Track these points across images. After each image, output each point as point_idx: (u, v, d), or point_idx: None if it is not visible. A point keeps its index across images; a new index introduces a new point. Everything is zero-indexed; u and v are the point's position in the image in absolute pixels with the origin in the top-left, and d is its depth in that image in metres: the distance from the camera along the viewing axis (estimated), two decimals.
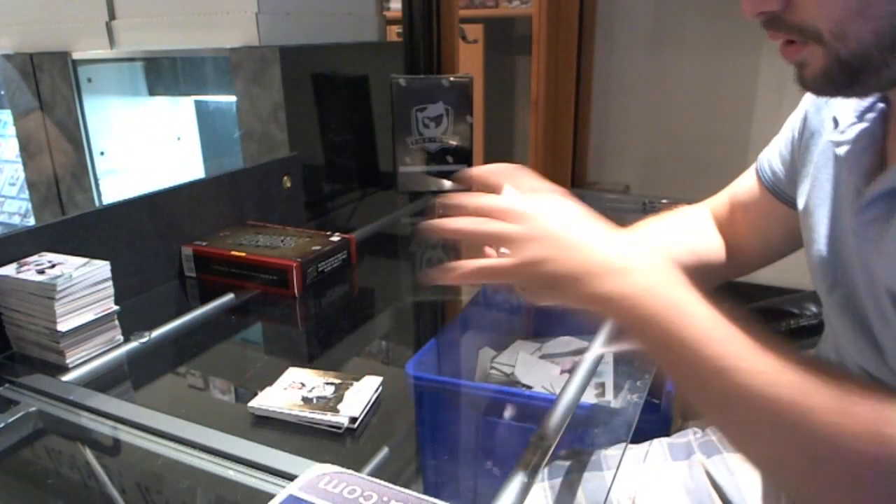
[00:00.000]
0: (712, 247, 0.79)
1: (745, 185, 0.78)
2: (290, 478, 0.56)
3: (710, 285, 0.79)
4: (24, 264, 0.81)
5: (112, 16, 1.47)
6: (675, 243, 0.78)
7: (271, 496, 0.47)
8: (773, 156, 0.74)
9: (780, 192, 0.72)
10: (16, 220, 1.95)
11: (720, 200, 0.82)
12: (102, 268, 0.81)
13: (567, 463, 0.72)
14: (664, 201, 1.42)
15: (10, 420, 0.69)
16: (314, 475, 0.49)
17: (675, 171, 2.60)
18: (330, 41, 1.49)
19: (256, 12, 1.30)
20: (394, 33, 1.76)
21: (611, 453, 0.72)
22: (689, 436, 0.83)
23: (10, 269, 0.79)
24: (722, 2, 2.35)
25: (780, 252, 0.77)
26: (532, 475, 0.51)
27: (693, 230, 0.80)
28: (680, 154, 2.59)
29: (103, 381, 0.78)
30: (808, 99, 0.66)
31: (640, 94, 2.58)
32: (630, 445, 0.82)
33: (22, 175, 1.81)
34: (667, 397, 0.94)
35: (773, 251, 0.77)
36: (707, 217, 0.82)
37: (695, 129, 2.52)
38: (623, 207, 1.42)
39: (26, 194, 1.82)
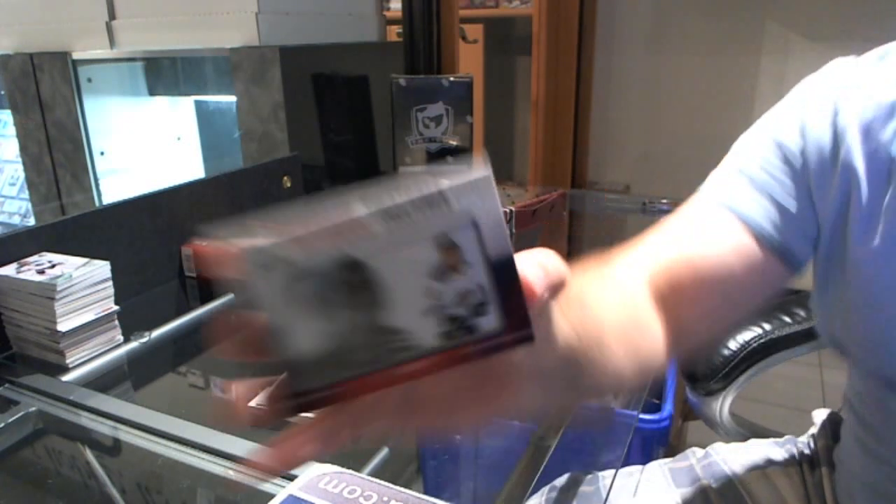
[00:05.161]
0: (651, 336, 0.50)
1: (712, 250, 0.54)
2: (290, 478, 0.56)
3: (645, 376, 0.50)
4: (24, 264, 0.81)
5: (112, 16, 1.47)
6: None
7: (271, 496, 0.47)
8: (764, 208, 0.54)
9: (786, 248, 0.54)
10: (16, 220, 1.95)
11: (659, 266, 0.54)
12: (102, 268, 0.81)
13: (565, 491, 0.71)
14: (664, 201, 1.42)
15: (10, 420, 0.69)
16: (314, 475, 0.49)
17: (675, 170, 2.60)
18: (330, 41, 1.49)
19: (256, 12, 1.30)
20: (394, 33, 1.76)
21: (609, 476, 0.70)
22: (691, 459, 0.80)
23: (10, 269, 0.79)
24: (722, 2, 2.35)
25: (741, 322, 0.60)
26: (532, 475, 0.51)
27: (626, 320, 0.48)
28: (680, 154, 2.59)
29: (103, 381, 0.78)
30: (828, 142, 0.52)
31: (640, 94, 2.58)
32: (629, 469, 0.81)
33: (22, 175, 1.81)
34: (667, 398, 0.94)
35: (740, 322, 0.60)
36: (643, 293, 0.52)
37: (695, 128, 2.52)
38: (623, 207, 1.42)
39: (26, 194, 1.82)
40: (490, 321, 0.28)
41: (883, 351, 0.53)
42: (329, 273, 0.27)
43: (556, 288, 0.30)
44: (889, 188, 0.50)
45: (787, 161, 0.54)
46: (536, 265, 0.29)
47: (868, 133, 0.50)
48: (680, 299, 0.52)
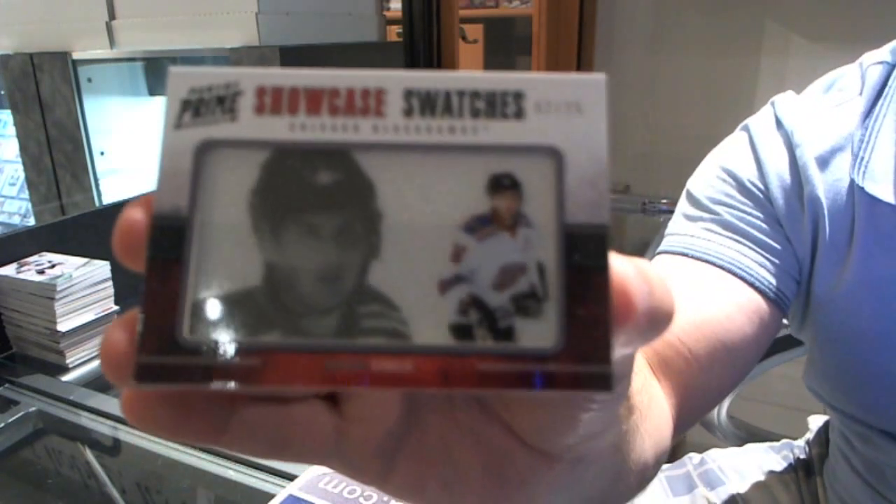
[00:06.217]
0: (662, 412, 0.43)
1: (719, 311, 0.48)
2: (290, 478, 0.56)
3: (657, 467, 0.38)
4: (24, 264, 0.81)
5: (112, 16, 1.47)
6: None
7: (271, 496, 0.47)
8: (751, 256, 0.50)
9: (780, 291, 0.50)
10: (16, 220, 1.95)
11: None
12: (102, 268, 0.81)
13: None
14: (664, 201, 1.42)
15: (10, 420, 0.69)
16: (314, 475, 0.49)
17: (676, 171, 2.60)
18: (330, 41, 1.49)
19: (256, 12, 1.30)
20: (394, 33, 1.76)
21: None
22: (688, 465, 0.79)
23: (10, 269, 0.79)
24: (722, 1, 2.35)
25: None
26: None
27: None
28: (680, 154, 2.59)
29: (103, 381, 0.78)
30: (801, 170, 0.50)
31: (639, 93, 2.59)
32: None
33: (22, 175, 1.81)
34: None
35: (739, 380, 0.53)
36: (642, 362, 0.46)
37: (695, 129, 2.52)
38: (623, 207, 1.42)
39: (26, 194, 1.82)
40: (539, 330, 0.16)
41: (866, 400, 0.52)
42: (300, 170, 0.17)
43: (660, 320, 0.17)
44: (853, 217, 0.48)
45: (758, 204, 0.52)
46: (634, 266, 0.17)
47: (825, 165, 0.49)
48: (690, 368, 0.46)
